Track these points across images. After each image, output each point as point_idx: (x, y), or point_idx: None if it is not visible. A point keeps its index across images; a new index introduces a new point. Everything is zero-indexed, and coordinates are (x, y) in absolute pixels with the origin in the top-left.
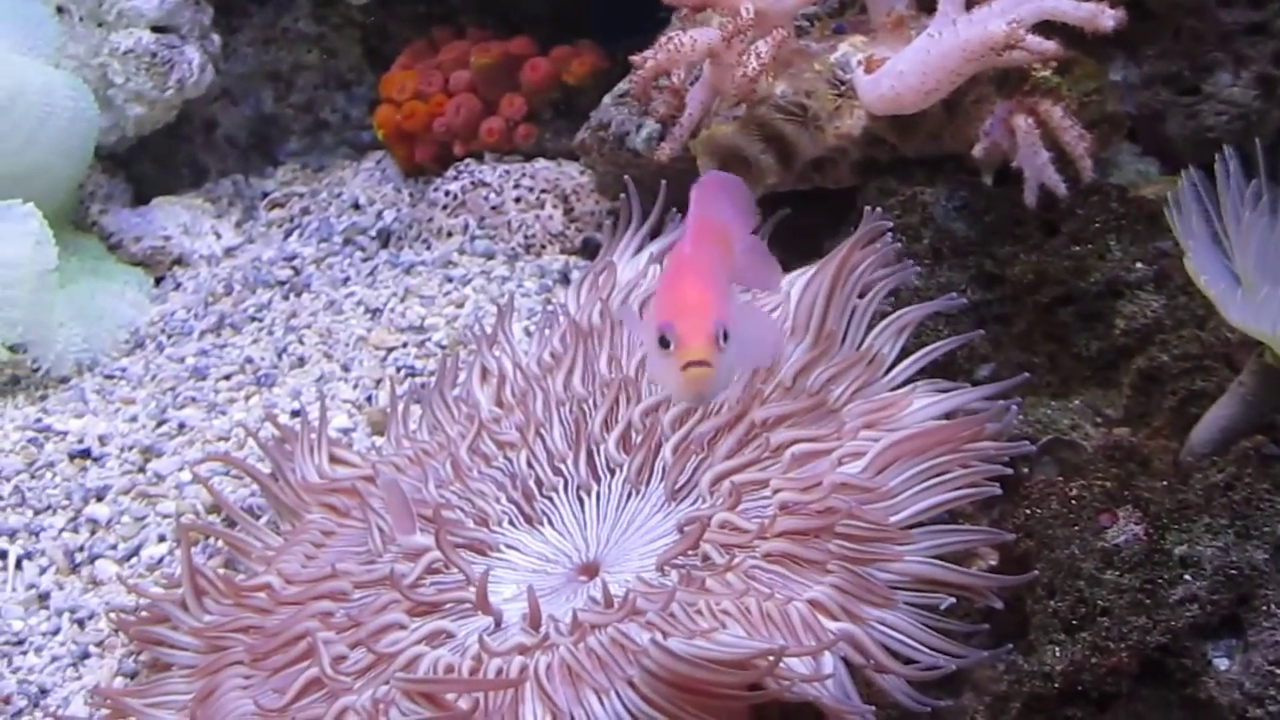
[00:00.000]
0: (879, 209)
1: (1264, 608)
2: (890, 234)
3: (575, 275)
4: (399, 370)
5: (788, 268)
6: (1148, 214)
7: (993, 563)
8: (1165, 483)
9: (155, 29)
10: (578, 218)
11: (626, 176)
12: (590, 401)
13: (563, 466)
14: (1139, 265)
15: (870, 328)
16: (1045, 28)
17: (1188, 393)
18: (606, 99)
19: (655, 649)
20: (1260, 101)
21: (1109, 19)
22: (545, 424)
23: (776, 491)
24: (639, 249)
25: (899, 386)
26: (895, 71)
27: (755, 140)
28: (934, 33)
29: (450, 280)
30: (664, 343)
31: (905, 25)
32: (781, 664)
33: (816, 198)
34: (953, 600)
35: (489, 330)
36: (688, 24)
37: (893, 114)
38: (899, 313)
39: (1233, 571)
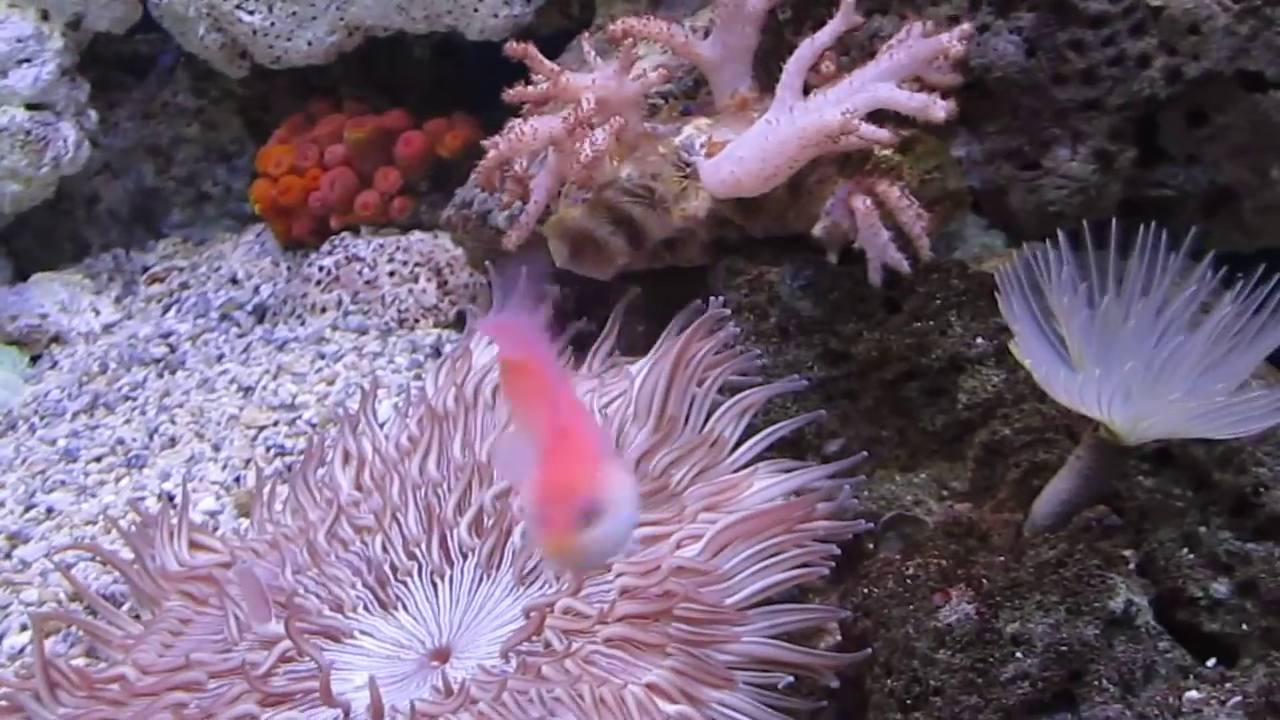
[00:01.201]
0: (721, 298)
1: (1095, 683)
2: (734, 317)
3: (447, 349)
4: (269, 450)
5: (647, 343)
6: (988, 289)
7: (838, 639)
8: (1000, 559)
9: (30, 106)
10: (451, 290)
11: (488, 261)
12: (444, 486)
13: (417, 551)
14: (979, 340)
15: (713, 411)
16: (880, 114)
17: (1030, 465)
18: (473, 175)
19: None
20: (1098, 175)
21: (940, 109)
22: (401, 508)
23: (618, 576)
24: None
25: (742, 468)
26: (735, 157)
27: (604, 222)
28: (772, 119)
29: (323, 357)
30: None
31: (749, 107)
32: None
33: (671, 275)
34: (791, 679)
35: (353, 412)
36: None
37: (735, 197)
38: (741, 395)
39: (1063, 648)
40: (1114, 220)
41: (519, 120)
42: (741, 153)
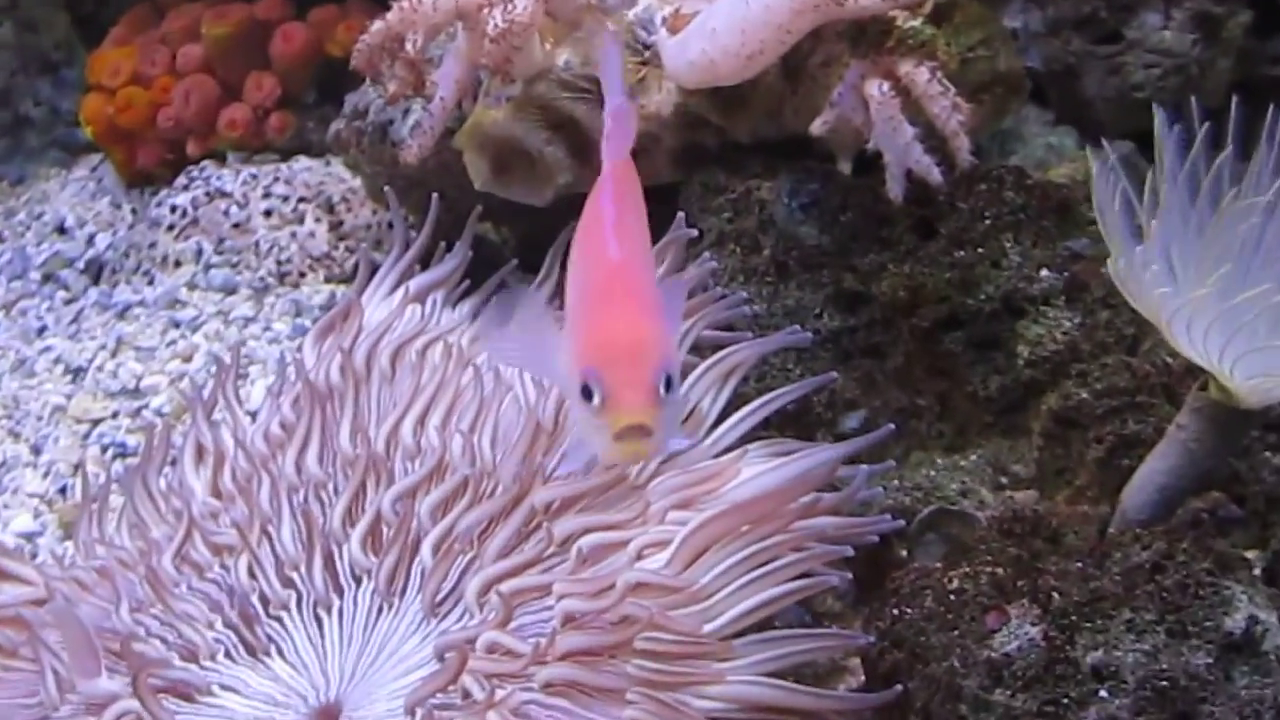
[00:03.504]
0: (686, 214)
1: None
2: (714, 249)
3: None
4: (105, 450)
5: None
6: (1056, 204)
7: (860, 680)
8: (1077, 565)
9: None
10: (348, 234)
11: (387, 188)
12: (329, 487)
13: (295, 576)
14: (1045, 273)
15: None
16: None
17: (1117, 439)
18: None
19: None
20: (1201, 48)
21: None
22: (273, 519)
23: (560, 599)
24: (397, 283)
25: (726, 451)
26: (707, 30)
27: (537, 128)
28: None
29: (177, 325)
30: (587, 393)
31: None
32: None
33: None
34: None
35: (209, 393)
36: None
37: (709, 86)
38: (723, 353)
39: (1164, 683)
40: (1234, 101)
41: None
42: (715, 24)
